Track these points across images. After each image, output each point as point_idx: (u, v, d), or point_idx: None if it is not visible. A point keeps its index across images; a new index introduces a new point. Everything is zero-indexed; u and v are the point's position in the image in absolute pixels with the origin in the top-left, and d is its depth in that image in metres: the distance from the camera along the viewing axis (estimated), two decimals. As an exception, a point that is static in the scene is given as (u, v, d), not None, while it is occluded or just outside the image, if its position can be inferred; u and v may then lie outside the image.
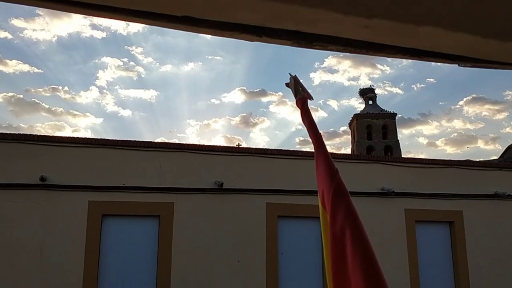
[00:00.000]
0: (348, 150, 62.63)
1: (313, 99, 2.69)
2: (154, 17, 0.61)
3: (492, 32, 0.72)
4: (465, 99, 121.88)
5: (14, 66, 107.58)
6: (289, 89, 2.83)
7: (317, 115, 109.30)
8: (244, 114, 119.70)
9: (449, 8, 0.67)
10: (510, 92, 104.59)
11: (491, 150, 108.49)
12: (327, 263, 1.99)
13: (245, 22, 0.65)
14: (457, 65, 0.84)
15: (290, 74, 2.79)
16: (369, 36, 0.75)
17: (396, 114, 58.40)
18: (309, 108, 2.53)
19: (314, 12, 0.64)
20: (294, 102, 2.66)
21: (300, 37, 0.78)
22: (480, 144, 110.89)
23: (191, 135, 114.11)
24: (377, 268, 1.75)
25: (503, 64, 0.85)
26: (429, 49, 0.81)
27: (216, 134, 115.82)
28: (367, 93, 61.83)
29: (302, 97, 2.62)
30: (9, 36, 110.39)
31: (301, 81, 2.74)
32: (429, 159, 11.59)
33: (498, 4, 0.67)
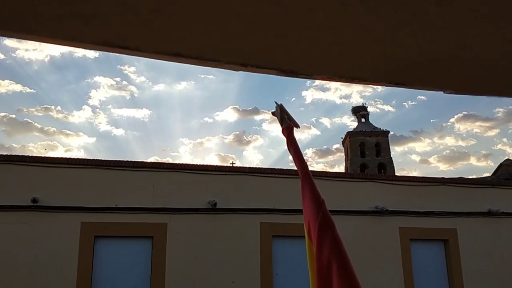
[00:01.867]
0: (341, 168, 62.75)
1: (299, 127, 2.69)
2: (146, 52, 0.62)
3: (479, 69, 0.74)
4: (456, 116, 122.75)
5: (6, 86, 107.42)
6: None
7: (310, 133, 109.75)
8: (237, 132, 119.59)
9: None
10: (501, 109, 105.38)
11: (483, 167, 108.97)
12: None
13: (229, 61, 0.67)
14: (442, 92, 0.85)
15: (276, 103, 2.79)
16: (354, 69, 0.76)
17: (389, 132, 58.70)
18: (295, 137, 2.53)
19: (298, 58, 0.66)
20: (280, 130, 2.65)
21: (285, 68, 0.79)
22: (473, 161, 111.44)
23: (184, 154, 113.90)
24: None
25: (486, 93, 0.86)
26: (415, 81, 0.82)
27: (209, 153, 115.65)
28: (360, 111, 62.19)
29: (288, 125, 2.61)
30: (1, 56, 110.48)
31: (286, 108, 2.74)
32: (422, 177, 11.62)
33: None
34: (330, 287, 1.81)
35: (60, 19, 0.49)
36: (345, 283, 1.75)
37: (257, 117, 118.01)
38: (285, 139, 2.56)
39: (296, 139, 2.52)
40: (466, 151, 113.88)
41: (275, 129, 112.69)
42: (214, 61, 0.66)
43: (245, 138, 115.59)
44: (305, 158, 2.52)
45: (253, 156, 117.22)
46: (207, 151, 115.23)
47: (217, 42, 0.58)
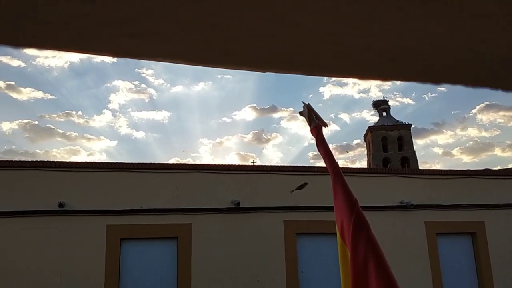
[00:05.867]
0: (362, 163, 62.27)
1: (327, 126, 2.64)
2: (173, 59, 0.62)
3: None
4: (478, 107, 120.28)
5: (28, 93, 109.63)
6: (300, 103, 2.79)
7: (329, 129, 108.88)
8: (256, 131, 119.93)
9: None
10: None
11: (508, 158, 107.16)
12: None
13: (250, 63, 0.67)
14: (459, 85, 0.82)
15: (304, 103, 2.73)
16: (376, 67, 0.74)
17: (411, 125, 58.02)
18: (324, 136, 2.47)
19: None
20: (309, 130, 2.59)
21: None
22: (497, 151, 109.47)
23: (205, 154, 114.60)
24: None
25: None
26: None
27: (229, 152, 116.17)
28: (381, 105, 61.56)
29: (316, 125, 2.55)
30: (22, 65, 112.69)
31: (314, 108, 2.69)
32: (447, 170, 11.44)
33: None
34: (366, 287, 1.79)
35: (120, 37, 0.49)
36: (383, 282, 1.73)
37: (275, 115, 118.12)
38: (305, 136, 2.52)
39: (326, 138, 2.48)
40: (490, 142, 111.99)
41: (294, 126, 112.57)
42: (236, 66, 0.66)
43: (264, 136, 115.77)
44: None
45: (273, 154, 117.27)
46: (227, 151, 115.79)
47: (273, 51, 0.58)
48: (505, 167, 20.17)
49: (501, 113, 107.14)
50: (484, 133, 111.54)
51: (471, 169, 11.83)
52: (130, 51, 0.53)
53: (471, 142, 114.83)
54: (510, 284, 10.50)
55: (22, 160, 9.11)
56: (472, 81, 0.68)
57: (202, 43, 0.54)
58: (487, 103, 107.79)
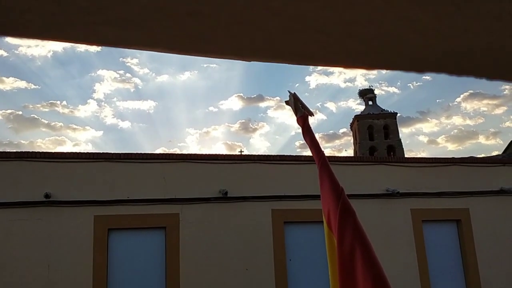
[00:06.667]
0: (349, 152, 62.63)
1: (313, 115, 2.65)
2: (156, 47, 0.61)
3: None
4: (462, 95, 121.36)
5: (11, 83, 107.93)
6: (287, 93, 2.78)
7: (316, 118, 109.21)
8: (243, 120, 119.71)
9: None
10: (507, 87, 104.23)
11: (492, 145, 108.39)
12: (334, 283, 1.96)
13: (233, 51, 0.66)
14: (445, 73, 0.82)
15: (290, 92, 2.73)
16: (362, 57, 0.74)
17: (396, 114, 58.32)
18: (310, 125, 2.48)
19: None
20: (295, 119, 2.60)
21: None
22: (481, 139, 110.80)
23: (191, 144, 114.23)
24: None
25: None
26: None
27: (216, 142, 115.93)
28: (367, 94, 61.77)
29: (302, 114, 2.56)
30: (5, 54, 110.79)
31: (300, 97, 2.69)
32: (432, 158, 11.56)
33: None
34: (353, 274, 1.81)
35: (95, 24, 0.48)
36: (369, 270, 1.74)
37: (262, 104, 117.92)
38: (292, 125, 2.54)
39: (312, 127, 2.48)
40: (474, 130, 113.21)
41: (281, 115, 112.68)
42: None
43: (251, 125, 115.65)
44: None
45: (260, 144, 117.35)
46: (214, 140, 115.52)
47: (257, 39, 0.57)
48: (489, 155, 20.45)
49: (485, 101, 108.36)
50: (468, 121, 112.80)
51: (456, 157, 11.99)
52: (110, 39, 0.51)
53: (455, 130, 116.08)
54: (495, 270, 10.70)
55: (6, 151, 8.98)
56: (457, 70, 0.68)
57: (183, 30, 0.53)
58: (471, 91, 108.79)
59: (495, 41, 0.61)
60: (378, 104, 61.06)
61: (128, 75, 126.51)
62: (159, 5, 0.48)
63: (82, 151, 9.77)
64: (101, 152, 9.70)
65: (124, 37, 0.52)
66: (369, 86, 65.18)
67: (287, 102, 2.76)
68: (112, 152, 9.61)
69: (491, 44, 0.62)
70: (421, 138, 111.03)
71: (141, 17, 0.49)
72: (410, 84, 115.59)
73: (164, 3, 0.48)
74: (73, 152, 9.53)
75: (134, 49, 0.57)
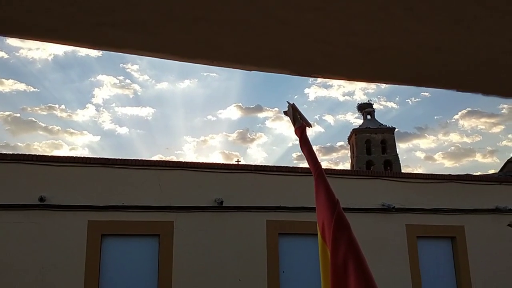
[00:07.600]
0: (345, 165, 62.66)
1: (312, 127, 2.66)
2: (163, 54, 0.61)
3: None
4: (460, 112, 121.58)
5: (10, 85, 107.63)
6: (286, 104, 2.79)
7: (314, 130, 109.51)
8: (241, 130, 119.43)
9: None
10: (505, 105, 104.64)
11: (489, 164, 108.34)
12: None
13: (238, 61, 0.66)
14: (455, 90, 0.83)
15: (288, 102, 2.75)
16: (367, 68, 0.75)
17: (395, 129, 58.52)
18: (308, 136, 2.48)
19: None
20: (293, 130, 2.61)
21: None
22: (478, 157, 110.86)
23: (188, 152, 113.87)
24: None
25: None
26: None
27: (213, 151, 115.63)
28: (365, 108, 62.01)
29: (300, 125, 2.57)
30: (5, 56, 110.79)
31: (299, 108, 2.71)
32: (428, 174, 11.57)
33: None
34: (345, 286, 1.80)
35: (101, 26, 0.48)
36: (361, 283, 1.74)
37: (260, 115, 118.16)
38: (290, 136, 2.56)
39: (309, 139, 2.49)
40: (471, 147, 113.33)
41: (279, 126, 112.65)
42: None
43: (249, 135, 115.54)
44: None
45: (257, 154, 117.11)
46: (211, 149, 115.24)
47: (259, 47, 0.58)
48: (485, 173, 20.48)
49: (483, 119, 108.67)
50: (465, 139, 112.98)
51: (453, 174, 11.99)
52: (112, 42, 0.52)
53: (452, 147, 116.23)
54: (488, 287, 10.66)
55: (3, 153, 8.96)
56: (455, 84, 0.68)
57: (186, 36, 0.53)
58: (469, 109, 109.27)
59: (495, 56, 0.62)
60: (377, 118, 61.27)
61: (127, 81, 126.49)
62: (166, 10, 0.48)
63: (78, 156, 9.75)
64: (97, 157, 9.69)
65: (128, 41, 0.52)
66: (368, 100, 65.35)
67: (285, 113, 2.78)
68: (109, 157, 9.59)
69: (491, 60, 0.63)
70: (418, 154, 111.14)
71: (146, 21, 0.49)
72: (409, 100, 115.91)
73: (171, 7, 0.49)
74: (69, 156, 9.51)
75: (136, 54, 0.57)
